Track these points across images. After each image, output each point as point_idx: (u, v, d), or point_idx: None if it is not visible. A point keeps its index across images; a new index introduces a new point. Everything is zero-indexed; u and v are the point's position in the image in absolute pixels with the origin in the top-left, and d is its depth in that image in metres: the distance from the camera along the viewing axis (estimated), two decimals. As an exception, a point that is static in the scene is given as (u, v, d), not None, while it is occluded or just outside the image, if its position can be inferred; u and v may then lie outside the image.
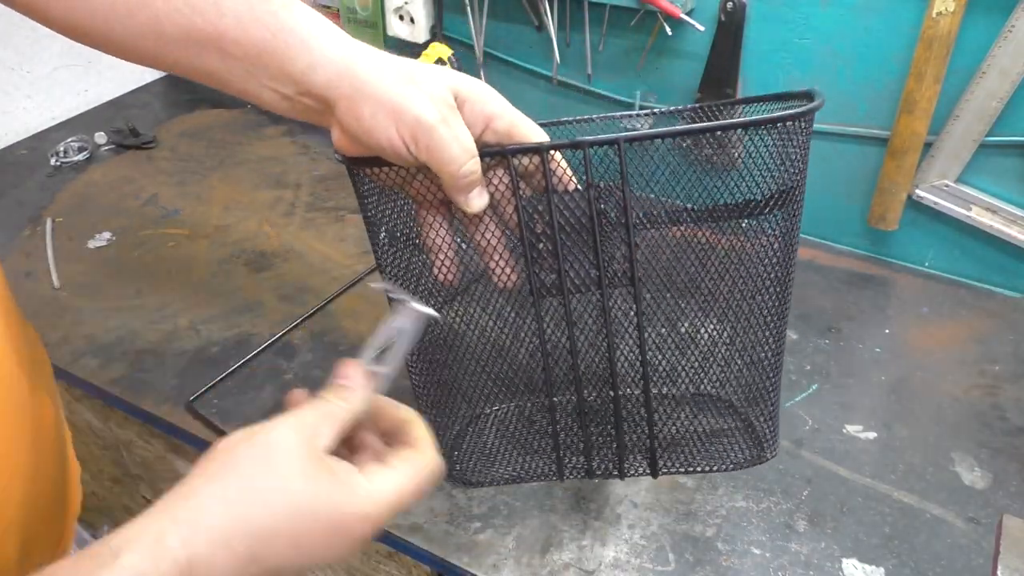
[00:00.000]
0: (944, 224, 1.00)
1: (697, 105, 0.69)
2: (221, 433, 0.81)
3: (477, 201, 0.52)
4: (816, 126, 1.01)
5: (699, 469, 0.63)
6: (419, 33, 1.19)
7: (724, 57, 1.00)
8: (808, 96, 0.56)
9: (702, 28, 0.99)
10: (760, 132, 0.52)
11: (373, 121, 0.49)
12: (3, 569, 0.48)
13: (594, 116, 0.66)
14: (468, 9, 1.13)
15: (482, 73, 1.18)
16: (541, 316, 0.55)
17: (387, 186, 0.56)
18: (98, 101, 1.48)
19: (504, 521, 0.72)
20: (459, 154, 0.49)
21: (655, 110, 0.70)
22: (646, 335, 0.55)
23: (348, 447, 0.46)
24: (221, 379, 0.87)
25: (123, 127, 1.36)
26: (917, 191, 0.97)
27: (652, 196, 0.54)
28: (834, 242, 1.08)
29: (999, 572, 0.66)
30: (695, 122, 0.71)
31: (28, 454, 0.50)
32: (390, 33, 1.21)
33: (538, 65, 1.16)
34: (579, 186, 0.53)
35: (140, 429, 0.98)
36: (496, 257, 0.56)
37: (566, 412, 0.61)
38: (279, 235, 1.12)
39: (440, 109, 0.48)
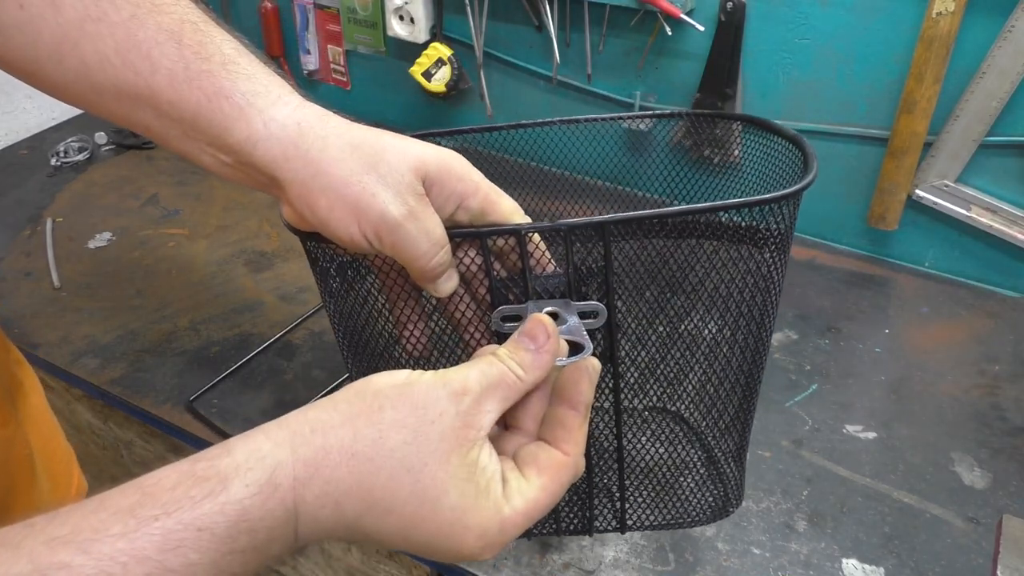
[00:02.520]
0: (944, 224, 1.00)
1: (693, 112, 0.69)
2: (221, 433, 0.81)
3: (446, 286, 0.48)
4: (816, 126, 1.01)
5: (666, 522, 0.62)
6: (419, 33, 1.19)
7: (724, 57, 1.00)
8: (797, 143, 0.53)
9: (702, 28, 0.99)
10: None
11: (330, 214, 0.44)
12: None
13: (594, 116, 0.66)
14: (468, 9, 1.13)
15: (482, 73, 1.18)
16: None
17: (347, 258, 0.52)
18: (98, 101, 1.48)
19: (504, 521, 0.72)
20: (427, 249, 0.45)
21: (655, 112, 0.70)
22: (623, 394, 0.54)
23: (502, 417, 0.41)
24: (221, 379, 0.87)
25: (123, 127, 1.36)
26: (917, 191, 0.98)
27: (636, 275, 0.50)
28: (834, 242, 1.08)
29: (999, 572, 0.66)
30: (693, 126, 0.71)
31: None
32: (390, 33, 1.21)
33: (538, 65, 1.16)
34: (557, 268, 0.49)
35: (140, 429, 0.98)
36: (471, 330, 0.51)
37: None
38: (279, 235, 1.12)
39: (406, 202, 0.44)
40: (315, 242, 0.50)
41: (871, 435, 0.80)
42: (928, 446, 0.79)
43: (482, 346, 0.47)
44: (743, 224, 0.50)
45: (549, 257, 0.49)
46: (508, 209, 0.48)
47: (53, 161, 1.29)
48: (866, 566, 0.68)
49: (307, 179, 0.44)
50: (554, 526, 0.61)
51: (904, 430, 0.81)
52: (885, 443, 0.79)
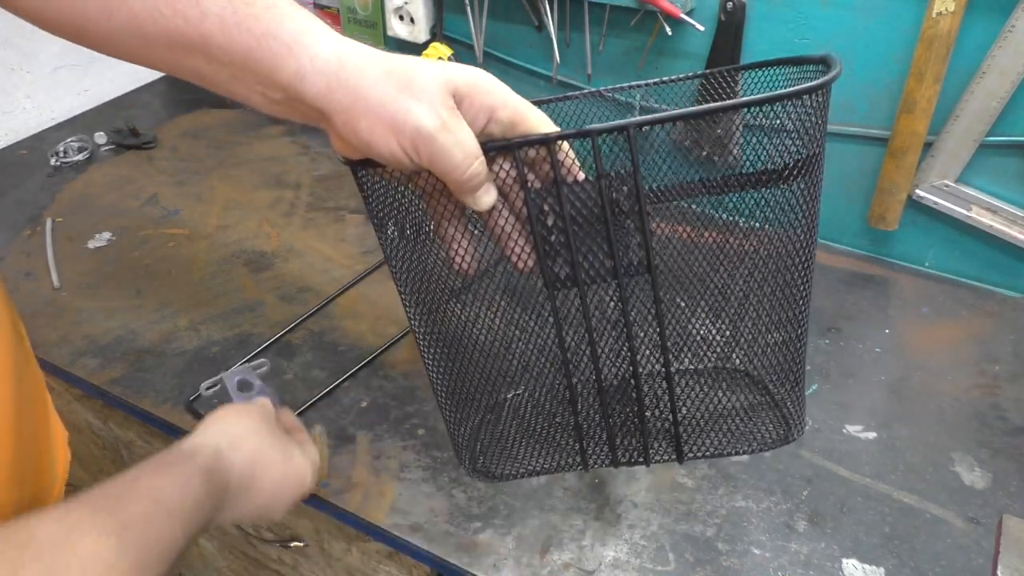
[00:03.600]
0: (944, 224, 1.00)
1: (706, 72, 0.68)
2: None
3: (485, 199, 0.51)
4: (816, 126, 1.00)
5: (726, 452, 0.61)
6: (419, 33, 1.19)
7: (724, 57, 1.00)
8: (824, 62, 0.54)
9: (702, 28, 0.99)
10: (775, 105, 0.49)
11: (371, 135, 0.48)
12: None
13: (600, 89, 0.66)
14: (468, 9, 1.13)
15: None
16: (556, 308, 0.54)
17: (393, 182, 0.55)
18: (98, 101, 1.48)
19: (504, 521, 0.72)
20: (462, 160, 0.48)
21: (663, 79, 0.69)
22: (665, 311, 0.54)
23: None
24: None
25: (123, 127, 1.36)
26: (917, 191, 0.97)
27: (662, 184, 0.53)
28: (834, 242, 1.08)
29: (999, 572, 0.66)
30: (705, 91, 0.70)
31: (13, 416, 0.52)
32: (390, 33, 1.21)
33: (538, 65, 1.16)
34: (588, 176, 0.52)
35: (140, 429, 0.98)
36: (512, 244, 0.55)
37: (587, 400, 0.60)
38: (279, 235, 1.12)
39: (439, 115, 0.47)
40: (365, 169, 0.54)
41: (871, 435, 0.80)
42: (928, 446, 0.79)
43: (523, 259, 0.54)
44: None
45: (578, 165, 0.52)
46: (537, 120, 0.50)
47: (53, 161, 1.29)
48: (866, 566, 0.68)
49: (349, 106, 0.48)
50: (610, 456, 0.61)
51: (904, 430, 0.81)
52: (885, 443, 0.79)
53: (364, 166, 0.53)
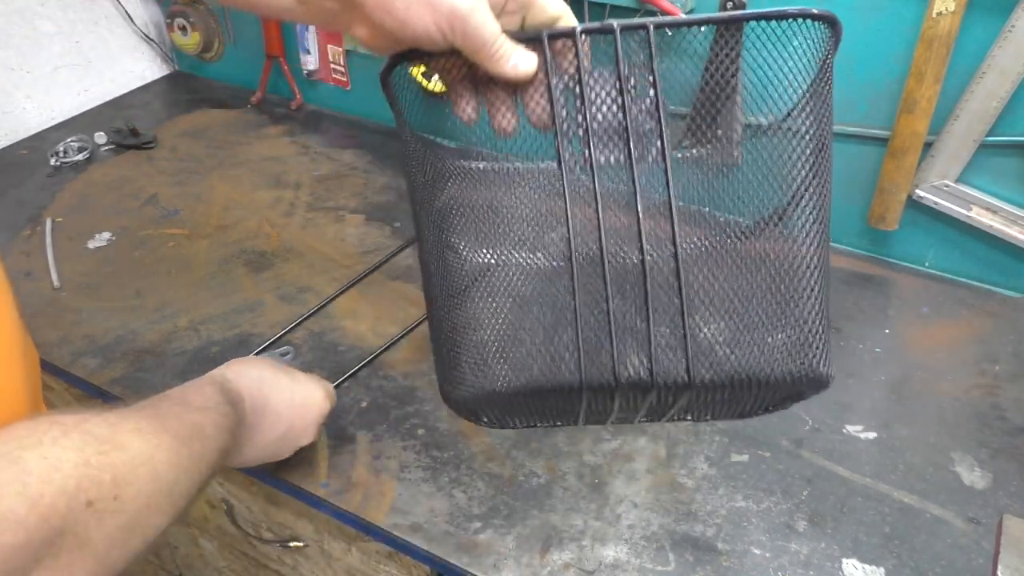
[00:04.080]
0: (944, 224, 1.00)
1: (717, 16, 0.68)
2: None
3: (524, 63, 0.53)
4: (816, 126, 1.00)
5: (744, 373, 0.55)
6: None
7: (724, 57, 1.00)
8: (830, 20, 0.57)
9: (702, 28, 0.99)
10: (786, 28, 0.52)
11: (407, 13, 0.50)
12: None
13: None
14: (468, 9, 1.13)
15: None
16: (566, 193, 0.53)
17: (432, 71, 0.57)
18: (98, 101, 1.48)
19: (504, 521, 0.72)
20: (490, 35, 0.51)
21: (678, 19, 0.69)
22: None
23: None
24: (221, 379, 0.87)
25: (123, 127, 1.36)
26: (917, 191, 0.97)
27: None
28: (834, 242, 1.08)
29: (999, 572, 0.66)
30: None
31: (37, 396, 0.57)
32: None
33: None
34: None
35: (140, 429, 0.97)
36: (535, 107, 0.56)
37: (589, 292, 0.56)
38: (279, 235, 1.12)
39: None
40: (394, 62, 0.56)
41: (871, 435, 0.80)
42: (928, 446, 0.79)
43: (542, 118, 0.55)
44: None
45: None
46: (557, 10, 0.54)
47: (53, 161, 1.29)
48: (866, 566, 0.68)
49: None
50: (612, 371, 0.57)
51: (904, 430, 0.81)
52: (885, 443, 0.79)
53: (407, 59, 0.55)
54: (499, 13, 0.53)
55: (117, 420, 0.49)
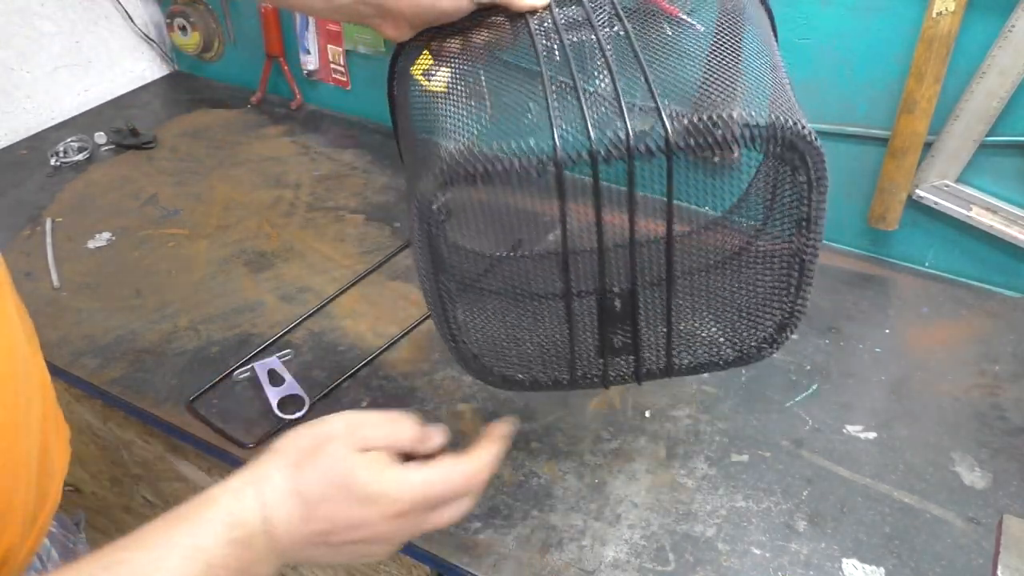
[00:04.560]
0: (944, 224, 1.00)
1: None
2: (221, 433, 0.81)
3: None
4: (816, 126, 1.00)
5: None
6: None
7: (725, 58, 1.00)
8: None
9: (702, 28, 0.99)
10: None
11: None
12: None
13: None
14: (468, 9, 1.13)
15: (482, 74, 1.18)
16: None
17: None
18: (98, 101, 1.48)
19: (504, 521, 0.72)
20: None
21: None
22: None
23: None
24: (221, 379, 0.87)
25: (123, 127, 1.36)
26: (917, 191, 0.97)
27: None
28: (834, 242, 1.08)
29: (999, 572, 0.66)
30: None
31: (34, 411, 0.56)
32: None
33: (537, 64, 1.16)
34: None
35: (140, 429, 0.98)
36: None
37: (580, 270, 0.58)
38: (279, 235, 1.12)
39: None
40: (416, 41, 0.64)
41: (871, 435, 0.80)
42: (928, 446, 0.79)
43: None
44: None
45: None
46: None
47: (53, 161, 1.29)
48: (866, 566, 0.68)
49: None
50: (600, 377, 0.62)
51: (904, 430, 0.81)
52: (885, 443, 0.79)
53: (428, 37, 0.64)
54: None
55: None
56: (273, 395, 0.84)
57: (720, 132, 0.50)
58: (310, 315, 0.96)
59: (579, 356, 0.61)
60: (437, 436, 0.55)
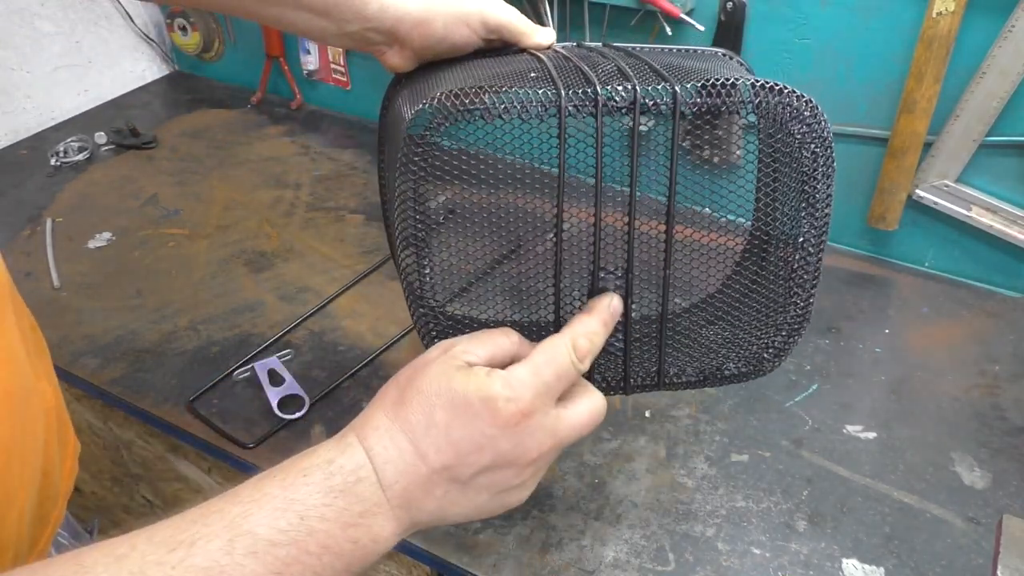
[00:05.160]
0: (944, 224, 1.00)
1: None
2: (221, 433, 0.81)
3: (547, 35, 0.64)
4: (816, 126, 1.00)
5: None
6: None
7: (724, 57, 1.00)
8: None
9: (702, 28, 0.99)
10: None
11: (446, 30, 0.60)
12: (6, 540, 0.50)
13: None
14: (468, 9, 1.13)
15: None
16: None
17: None
18: (98, 101, 1.48)
19: (504, 521, 0.72)
20: (526, 24, 0.63)
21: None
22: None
23: None
24: (221, 379, 0.87)
25: (123, 127, 1.36)
26: (917, 191, 0.97)
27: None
28: (834, 242, 1.08)
29: (999, 572, 0.66)
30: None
31: (31, 435, 0.53)
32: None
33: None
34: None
35: (140, 429, 0.98)
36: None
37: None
38: (279, 235, 1.12)
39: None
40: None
41: (871, 435, 0.80)
42: (928, 446, 0.79)
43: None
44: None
45: None
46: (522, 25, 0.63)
47: (53, 161, 1.29)
48: (866, 566, 0.68)
49: (421, 17, 0.59)
50: (620, 385, 0.59)
51: (904, 430, 0.81)
52: (885, 443, 0.79)
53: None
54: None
55: None
56: (273, 395, 0.83)
57: (727, 93, 0.50)
58: (310, 315, 0.96)
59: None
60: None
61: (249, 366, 0.87)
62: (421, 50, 0.61)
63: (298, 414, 0.82)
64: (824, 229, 0.54)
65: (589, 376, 0.57)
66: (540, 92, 0.50)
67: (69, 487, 0.63)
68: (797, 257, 0.55)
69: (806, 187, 0.53)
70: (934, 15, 0.85)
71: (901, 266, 1.05)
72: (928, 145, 0.94)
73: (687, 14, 0.98)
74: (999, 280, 1.00)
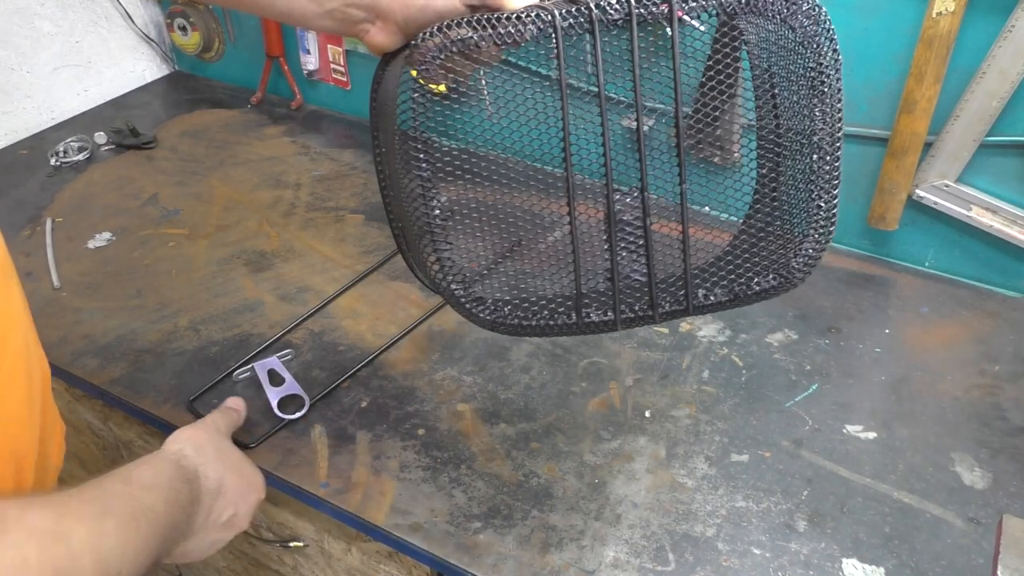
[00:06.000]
0: (944, 224, 1.00)
1: None
2: (221, 433, 0.81)
3: None
4: (816, 126, 1.00)
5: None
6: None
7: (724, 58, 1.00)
8: None
9: (703, 28, 0.99)
10: None
11: None
12: None
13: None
14: (468, 9, 1.13)
15: (482, 72, 1.18)
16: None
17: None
18: (98, 101, 1.48)
19: (504, 521, 0.72)
20: None
21: None
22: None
23: None
24: (221, 379, 0.87)
25: (123, 127, 1.36)
26: (917, 191, 0.97)
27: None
28: (834, 242, 1.08)
29: (999, 572, 0.66)
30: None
31: (34, 400, 0.57)
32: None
33: (538, 64, 1.16)
34: None
35: (140, 429, 0.98)
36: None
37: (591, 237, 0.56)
38: (279, 235, 1.12)
39: None
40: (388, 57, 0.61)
41: (871, 435, 0.80)
42: (928, 446, 0.79)
43: None
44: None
45: None
46: None
47: (53, 161, 1.29)
48: (866, 566, 0.68)
49: None
50: (648, 313, 0.57)
51: (904, 430, 0.81)
52: (885, 443, 0.79)
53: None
54: None
55: (60, 508, 0.48)
56: (273, 395, 0.83)
57: None
58: (310, 315, 0.96)
59: (586, 283, 0.56)
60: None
61: (249, 366, 0.87)
62: (404, 22, 0.59)
63: (298, 414, 0.82)
64: (838, 124, 0.54)
65: (615, 308, 0.57)
66: (533, 14, 0.50)
67: (59, 462, 0.65)
68: (815, 157, 0.55)
69: (815, 80, 0.53)
70: (934, 15, 0.85)
71: (901, 266, 1.05)
72: (928, 145, 0.94)
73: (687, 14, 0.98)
74: (999, 280, 1.00)
